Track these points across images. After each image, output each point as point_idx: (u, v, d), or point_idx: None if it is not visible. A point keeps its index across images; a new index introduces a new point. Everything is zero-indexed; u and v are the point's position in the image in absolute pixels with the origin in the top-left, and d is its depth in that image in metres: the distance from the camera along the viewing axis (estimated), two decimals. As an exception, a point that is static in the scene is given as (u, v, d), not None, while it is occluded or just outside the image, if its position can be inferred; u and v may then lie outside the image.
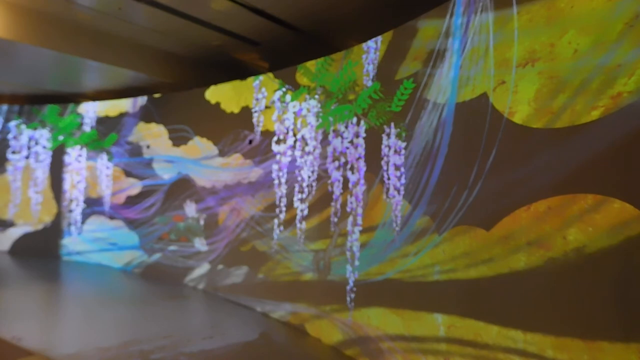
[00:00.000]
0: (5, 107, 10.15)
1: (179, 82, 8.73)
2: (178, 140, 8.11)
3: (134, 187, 8.75)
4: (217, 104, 7.40)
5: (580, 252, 2.61)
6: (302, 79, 5.76)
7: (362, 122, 4.71)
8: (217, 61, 8.73)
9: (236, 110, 7.04)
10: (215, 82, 7.58)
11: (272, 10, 6.52)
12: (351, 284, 4.72)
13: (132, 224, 8.76)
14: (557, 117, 2.77)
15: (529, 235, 2.92)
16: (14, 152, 10.06)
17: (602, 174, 2.54)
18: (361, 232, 4.65)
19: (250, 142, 6.65)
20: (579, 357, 2.55)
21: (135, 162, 8.75)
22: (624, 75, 2.44)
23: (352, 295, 4.70)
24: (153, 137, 8.53)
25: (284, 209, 5.91)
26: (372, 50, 4.66)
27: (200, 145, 7.67)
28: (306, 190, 5.53)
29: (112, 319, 5.91)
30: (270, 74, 6.38)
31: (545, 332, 2.75)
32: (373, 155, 4.53)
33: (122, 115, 9.06)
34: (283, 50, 7.95)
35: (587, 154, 2.61)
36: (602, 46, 2.57)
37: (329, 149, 5.18)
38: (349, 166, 4.89)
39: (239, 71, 8.83)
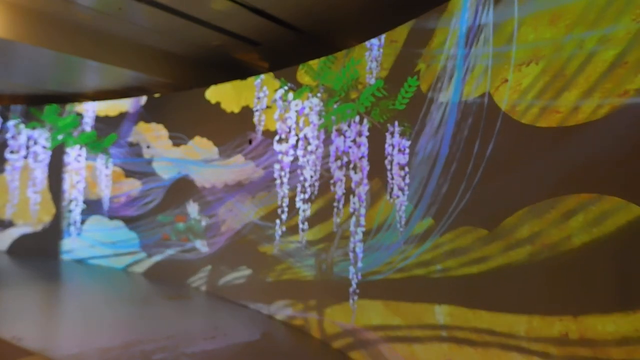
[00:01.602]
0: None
1: (179, 82, 8.72)
2: (178, 140, 8.10)
3: (134, 187, 8.73)
4: (217, 104, 7.39)
5: (583, 252, 2.60)
6: (303, 78, 5.75)
7: (365, 121, 4.69)
8: (217, 61, 8.72)
9: (236, 110, 7.03)
10: (215, 82, 7.57)
11: (272, 10, 6.52)
12: (354, 285, 4.71)
13: (132, 224, 8.74)
14: (562, 116, 2.76)
15: (532, 236, 2.91)
16: (12, 152, 10.03)
17: (608, 173, 2.53)
18: (364, 232, 4.64)
19: (250, 141, 6.64)
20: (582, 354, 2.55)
21: (135, 162, 8.73)
22: (632, 73, 2.43)
23: (355, 298, 4.69)
24: (153, 137, 8.51)
25: (286, 209, 5.90)
26: (376, 47, 4.64)
27: (198, 150, 7.67)
28: (308, 190, 5.51)
29: (113, 320, 5.90)
30: (271, 74, 6.38)
31: (549, 334, 2.74)
32: (376, 155, 4.51)
33: (122, 115, 9.04)
34: (283, 50, 7.95)
35: (592, 153, 2.59)
36: (608, 43, 2.55)
37: (332, 148, 5.16)
38: (351, 165, 4.87)
39: (239, 71, 8.82)
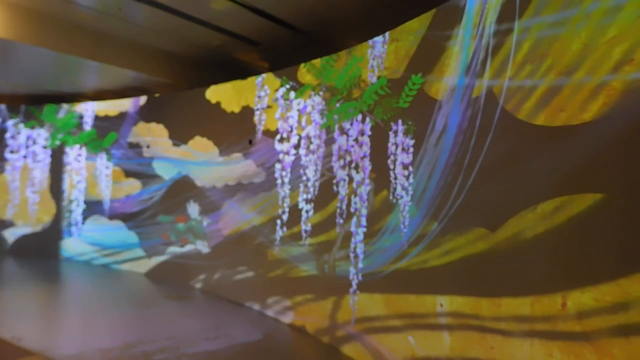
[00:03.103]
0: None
1: (179, 82, 8.71)
2: (178, 141, 8.10)
3: (134, 187, 8.72)
4: (218, 104, 7.38)
5: (586, 249, 2.61)
6: (304, 77, 5.74)
7: (367, 120, 4.67)
8: (217, 61, 8.71)
9: (236, 110, 7.03)
10: (215, 82, 7.56)
11: (272, 10, 6.51)
12: (354, 286, 4.70)
13: (132, 224, 8.73)
14: (566, 114, 2.75)
15: (536, 236, 2.90)
16: (12, 152, 10.01)
17: (613, 171, 2.52)
18: (365, 233, 4.62)
19: (251, 141, 6.63)
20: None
21: (135, 161, 8.72)
22: (638, 71, 2.42)
23: (355, 299, 4.68)
24: (153, 137, 8.50)
25: (287, 209, 5.89)
26: (379, 44, 4.60)
27: (198, 150, 7.66)
28: (311, 190, 5.49)
29: (113, 320, 5.88)
30: (270, 75, 6.37)
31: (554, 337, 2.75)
32: (379, 154, 4.48)
33: (121, 114, 9.02)
34: (283, 50, 7.94)
35: (597, 152, 2.58)
36: (613, 40, 2.54)
37: (334, 147, 5.13)
38: (353, 165, 4.85)
39: (239, 71, 8.81)
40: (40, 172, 9.86)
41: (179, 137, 8.06)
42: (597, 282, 2.54)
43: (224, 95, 7.31)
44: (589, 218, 2.61)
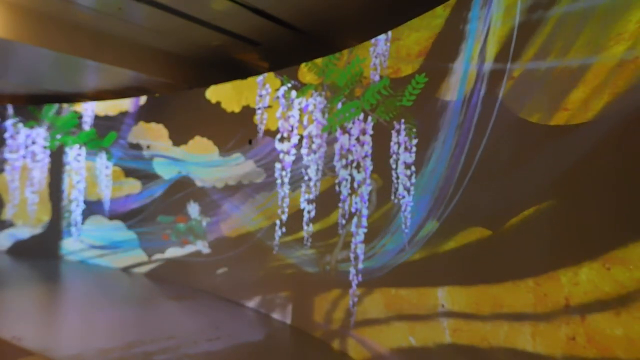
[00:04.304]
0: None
1: (179, 82, 8.71)
2: (178, 140, 8.09)
3: (134, 187, 8.71)
4: (218, 104, 7.38)
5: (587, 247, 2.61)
6: (305, 77, 5.73)
7: (369, 119, 4.65)
8: (217, 61, 8.71)
9: (237, 110, 7.02)
10: (215, 82, 7.56)
11: (272, 10, 6.51)
12: (354, 287, 4.70)
13: (132, 224, 8.72)
14: (571, 114, 2.73)
15: (538, 237, 2.90)
16: (11, 152, 9.99)
17: (617, 170, 2.52)
18: (366, 234, 4.61)
19: (250, 141, 6.63)
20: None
21: (135, 161, 8.71)
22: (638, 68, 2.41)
23: (355, 299, 4.68)
24: (153, 137, 8.49)
25: (286, 209, 5.88)
26: (382, 42, 4.57)
27: (198, 151, 7.67)
28: (313, 190, 5.47)
29: (114, 320, 5.88)
30: (271, 74, 6.36)
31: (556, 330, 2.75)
32: (382, 153, 4.46)
33: (121, 114, 9.01)
34: (283, 50, 7.94)
35: (602, 151, 2.57)
36: (618, 39, 2.53)
37: (336, 147, 5.11)
38: (354, 164, 4.84)
39: (239, 71, 8.81)
40: (40, 172, 9.85)
41: (179, 137, 8.05)
42: (599, 282, 2.54)
43: (224, 95, 7.30)
44: (587, 215, 2.62)
